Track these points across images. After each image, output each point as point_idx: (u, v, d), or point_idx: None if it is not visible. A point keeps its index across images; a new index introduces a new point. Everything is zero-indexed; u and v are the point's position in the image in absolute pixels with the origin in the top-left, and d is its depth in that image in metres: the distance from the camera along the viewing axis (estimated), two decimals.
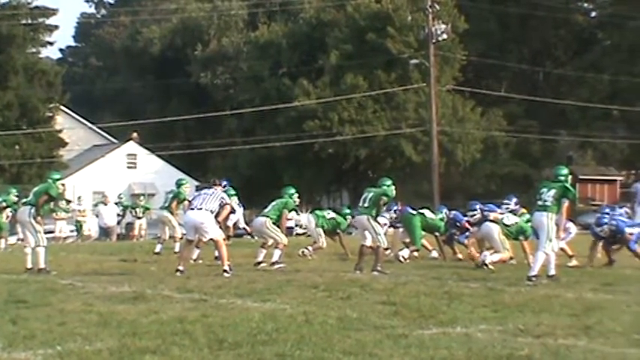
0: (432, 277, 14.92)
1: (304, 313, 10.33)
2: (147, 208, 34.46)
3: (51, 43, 65.23)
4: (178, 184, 22.58)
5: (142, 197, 36.48)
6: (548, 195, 14.54)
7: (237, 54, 66.73)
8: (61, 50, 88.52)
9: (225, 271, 15.42)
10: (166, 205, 22.15)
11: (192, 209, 16.19)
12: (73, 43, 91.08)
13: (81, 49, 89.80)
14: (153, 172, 61.87)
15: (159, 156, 62.79)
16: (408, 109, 57.31)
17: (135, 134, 63.64)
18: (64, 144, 59.52)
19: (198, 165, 63.26)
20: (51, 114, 58.97)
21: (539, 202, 14.58)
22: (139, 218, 33.66)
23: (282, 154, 57.03)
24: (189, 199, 17.40)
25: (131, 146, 63.66)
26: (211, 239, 16.16)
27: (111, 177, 58.29)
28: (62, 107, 61.60)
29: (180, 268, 15.73)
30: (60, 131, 59.39)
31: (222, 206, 16.26)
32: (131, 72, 76.15)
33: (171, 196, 22.17)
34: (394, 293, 12.41)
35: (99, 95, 76.70)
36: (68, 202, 38.61)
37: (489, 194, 54.71)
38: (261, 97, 60.80)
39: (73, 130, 62.12)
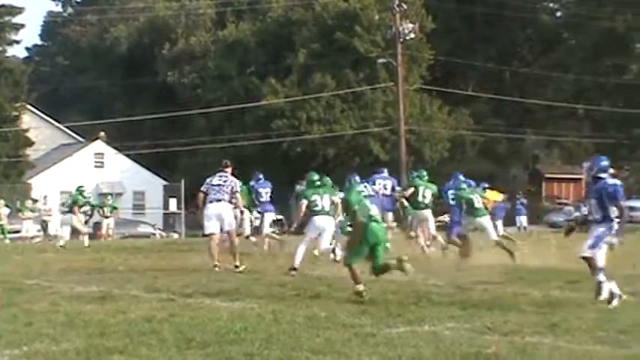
0: (400, 275, 14.93)
1: (272, 312, 10.33)
2: (114, 208, 34.35)
3: (17, 42, 64.78)
4: (79, 191, 24.77)
5: (109, 196, 36.27)
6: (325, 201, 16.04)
7: (205, 53, 66.50)
8: (27, 49, 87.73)
9: (236, 266, 15.90)
10: (68, 209, 24.49)
11: (212, 202, 16.39)
12: (39, 42, 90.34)
13: (47, 48, 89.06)
14: (120, 171, 61.56)
15: (126, 155, 62.46)
16: (375, 108, 57.43)
17: (102, 133, 63.23)
18: (30, 143, 59.07)
19: (166, 164, 62.98)
20: (17, 113, 58.51)
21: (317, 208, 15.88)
22: (107, 217, 33.54)
23: (250, 153, 56.89)
24: (204, 190, 16.75)
25: (98, 145, 63.27)
26: (227, 231, 16.46)
27: (78, 176, 57.89)
28: (29, 106, 61.14)
29: (217, 263, 16.11)
30: (26, 130, 58.94)
31: (233, 193, 16.62)
32: (98, 71, 75.65)
33: (70, 201, 24.40)
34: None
35: (66, 94, 76.06)
36: (34, 201, 38.38)
37: None
38: (229, 95, 60.66)
39: (39, 130, 61.66)
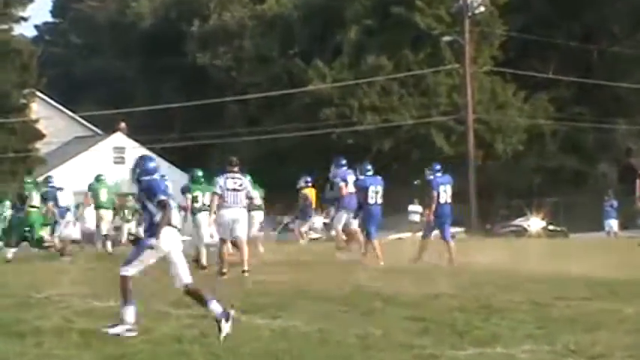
0: (468, 287, 14.91)
1: (320, 330, 10.36)
2: (136, 210, 34.41)
3: (25, 19, 65.31)
4: None
5: (130, 197, 36.31)
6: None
7: (241, 30, 66.76)
8: (36, 27, 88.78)
9: (244, 270, 17.39)
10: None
11: (228, 208, 17.59)
12: (50, 19, 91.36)
13: (59, 26, 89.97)
14: None
15: (150, 149, 62.79)
16: (439, 93, 57.28)
17: (122, 124, 63.67)
18: (40, 136, 59.59)
19: (195, 159, 63.20)
20: (25, 101, 59.01)
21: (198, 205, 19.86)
22: (128, 222, 33.62)
23: (293, 146, 57.05)
24: (219, 193, 17.89)
25: (118, 138, 63.72)
26: (236, 236, 17.79)
27: (95, 174, 58.34)
28: (38, 93, 61.68)
29: (225, 270, 17.53)
30: (36, 121, 59.45)
31: (249, 198, 18.12)
32: (118, 52, 76.28)
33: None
34: (423, 307, 12.41)
35: (81, 79, 76.83)
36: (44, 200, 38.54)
37: (534, 191, 54.64)
38: (269, 80, 60.84)
39: (51, 120, 62.17)
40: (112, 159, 62.49)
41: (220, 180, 17.75)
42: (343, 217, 20.69)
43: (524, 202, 49.89)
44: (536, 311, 12.04)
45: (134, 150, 62.91)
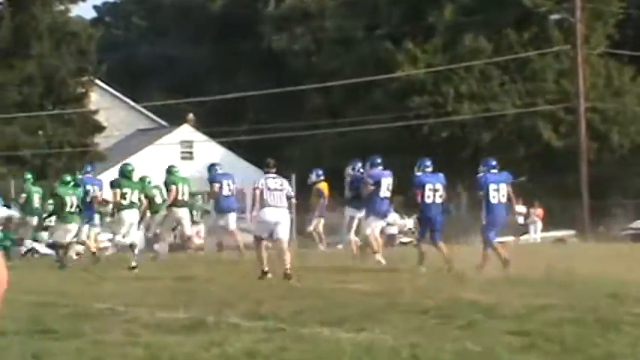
0: (580, 298, 14.78)
1: (411, 345, 10.35)
2: (206, 211, 34.56)
3: None
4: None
5: (199, 196, 36.47)
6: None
7: (322, 10, 66.89)
8: (95, 8, 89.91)
9: (287, 272, 18.53)
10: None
11: (269, 207, 18.89)
12: None
13: (121, 6, 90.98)
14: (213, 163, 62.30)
15: (221, 143, 63.20)
16: (546, 79, 56.87)
17: (190, 115, 64.10)
18: (100, 128, 60.15)
19: (270, 154, 63.21)
20: (83, 90, 59.58)
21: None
22: (196, 223, 33.79)
23: (380, 140, 56.92)
24: (260, 187, 19.27)
25: (186, 131, 64.14)
26: (278, 238, 18.97)
27: (160, 170, 58.80)
28: (97, 81, 62.30)
29: (266, 269, 18.82)
30: (95, 112, 60.00)
31: (289, 199, 19.33)
32: (185, 36, 76.83)
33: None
34: (529, 320, 12.34)
35: (144, 66, 77.48)
36: (106, 202, 39.00)
37: None
38: (353, 65, 60.80)
39: (111, 111, 62.77)
40: (178, 154, 62.87)
41: (261, 180, 19.24)
42: (377, 222, 21.99)
43: None
44: None
45: (203, 144, 63.41)
